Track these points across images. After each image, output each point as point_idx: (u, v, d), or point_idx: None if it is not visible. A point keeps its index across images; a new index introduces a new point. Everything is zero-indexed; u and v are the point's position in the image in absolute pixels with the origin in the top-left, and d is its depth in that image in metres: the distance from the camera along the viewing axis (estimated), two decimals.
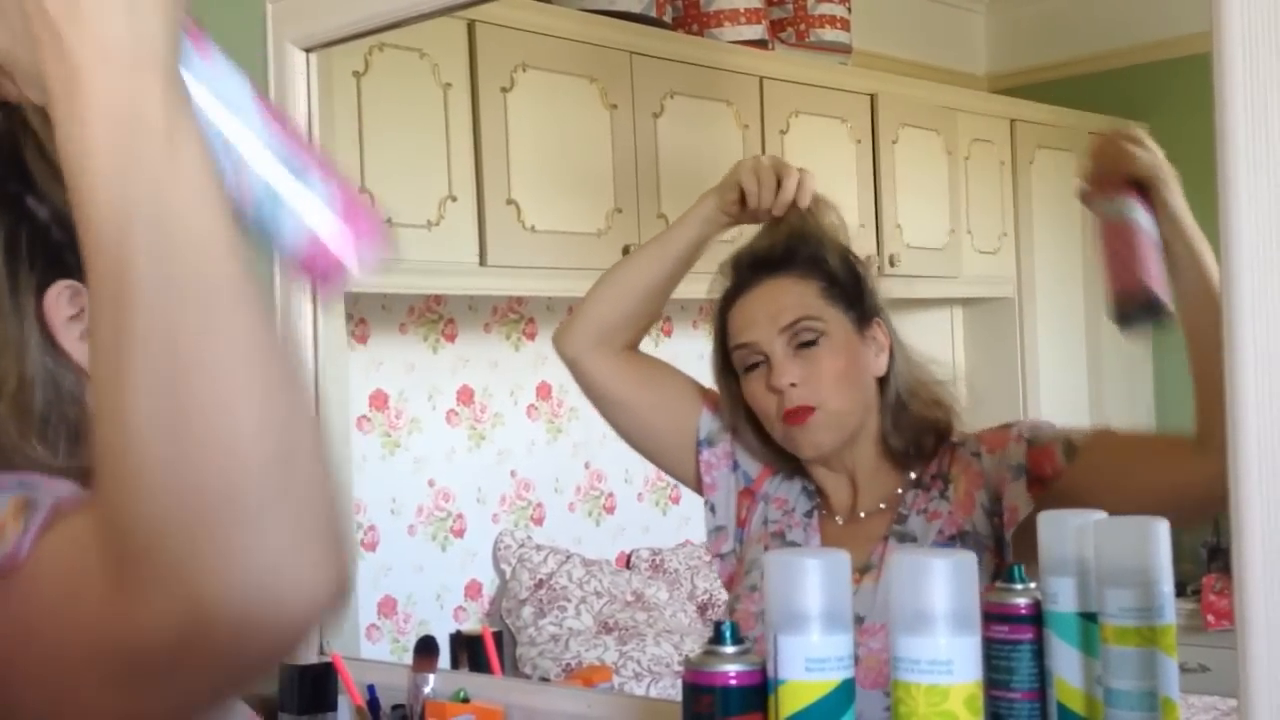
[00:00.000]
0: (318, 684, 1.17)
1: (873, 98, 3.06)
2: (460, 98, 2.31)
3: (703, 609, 2.90)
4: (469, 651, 1.26)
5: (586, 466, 2.93)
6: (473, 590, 2.72)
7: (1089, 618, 0.94)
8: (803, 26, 2.98)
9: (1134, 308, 1.17)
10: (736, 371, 1.33)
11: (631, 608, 2.77)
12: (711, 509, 1.38)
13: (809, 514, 1.32)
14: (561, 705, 1.13)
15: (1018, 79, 3.70)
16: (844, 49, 3.06)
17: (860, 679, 1.17)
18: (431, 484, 2.65)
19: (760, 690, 0.79)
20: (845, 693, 0.77)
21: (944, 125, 3.20)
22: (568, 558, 2.77)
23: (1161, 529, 0.91)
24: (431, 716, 1.08)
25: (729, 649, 0.80)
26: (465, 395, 2.73)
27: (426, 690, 1.15)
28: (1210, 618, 2.86)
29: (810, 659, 0.76)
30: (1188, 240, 1.13)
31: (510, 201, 2.36)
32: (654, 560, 2.97)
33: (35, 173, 0.78)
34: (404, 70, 2.24)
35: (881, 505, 1.30)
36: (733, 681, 0.79)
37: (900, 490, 1.30)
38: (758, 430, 1.34)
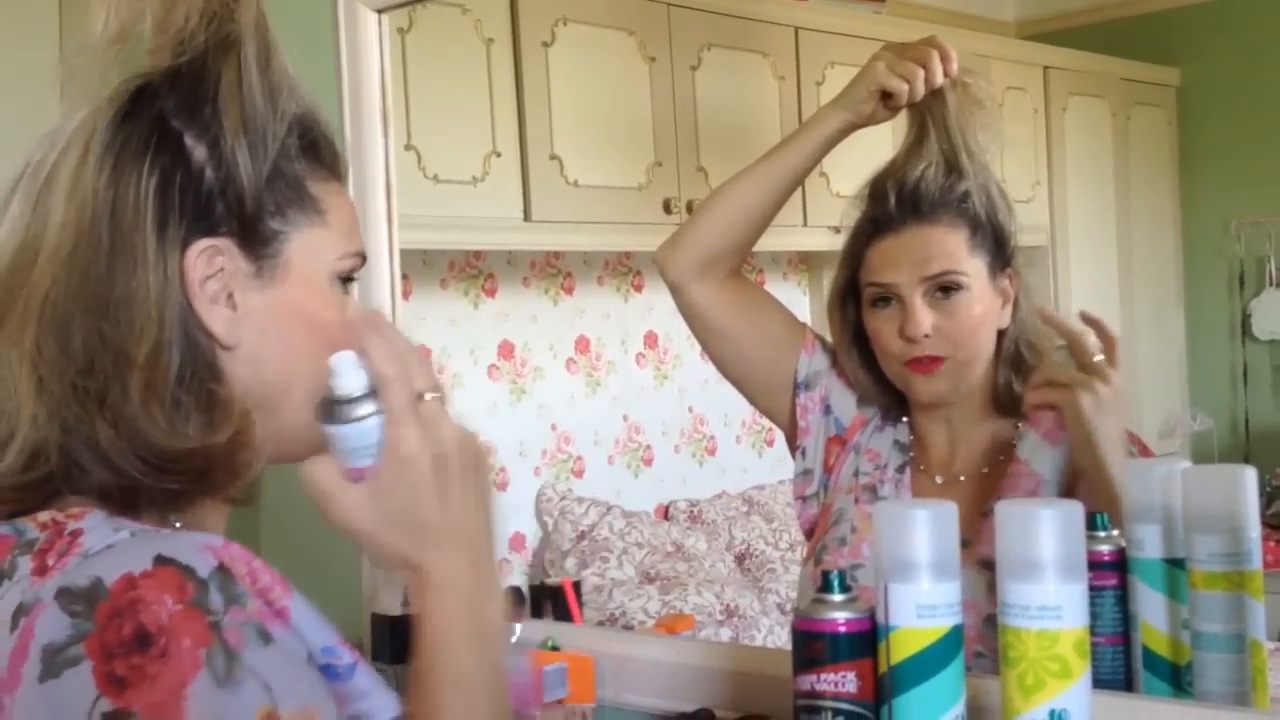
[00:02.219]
0: (409, 633, 1.19)
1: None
2: (502, 53, 2.31)
3: (740, 559, 2.93)
4: (551, 602, 1.27)
5: (625, 419, 2.95)
6: (516, 542, 2.75)
7: (1175, 563, 0.96)
8: None
9: None
10: (858, 297, 1.31)
11: (672, 558, 2.80)
12: (801, 453, 1.37)
13: (901, 469, 1.31)
14: (649, 653, 1.15)
15: (1047, 25, 3.67)
16: None
17: None
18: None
19: (868, 636, 0.81)
20: (955, 638, 0.79)
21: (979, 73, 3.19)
22: (608, 510, 2.80)
23: (1249, 476, 0.93)
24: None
25: (837, 597, 0.82)
26: (506, 350, 2.75)
27: (513, 640, 1.17)
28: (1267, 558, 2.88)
29: (921, 606, 0.78)
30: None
31: (554, 157, 2.37)
32: (692, 511, 3.00)
33: (218, 107, 0.76)
34: (447, 26, 2.24)
35: (984, 470, 1.28)
36: (842, 628, 0.81)
37: (1003, 459, 1.27)
38: (863, 359, 1.32)
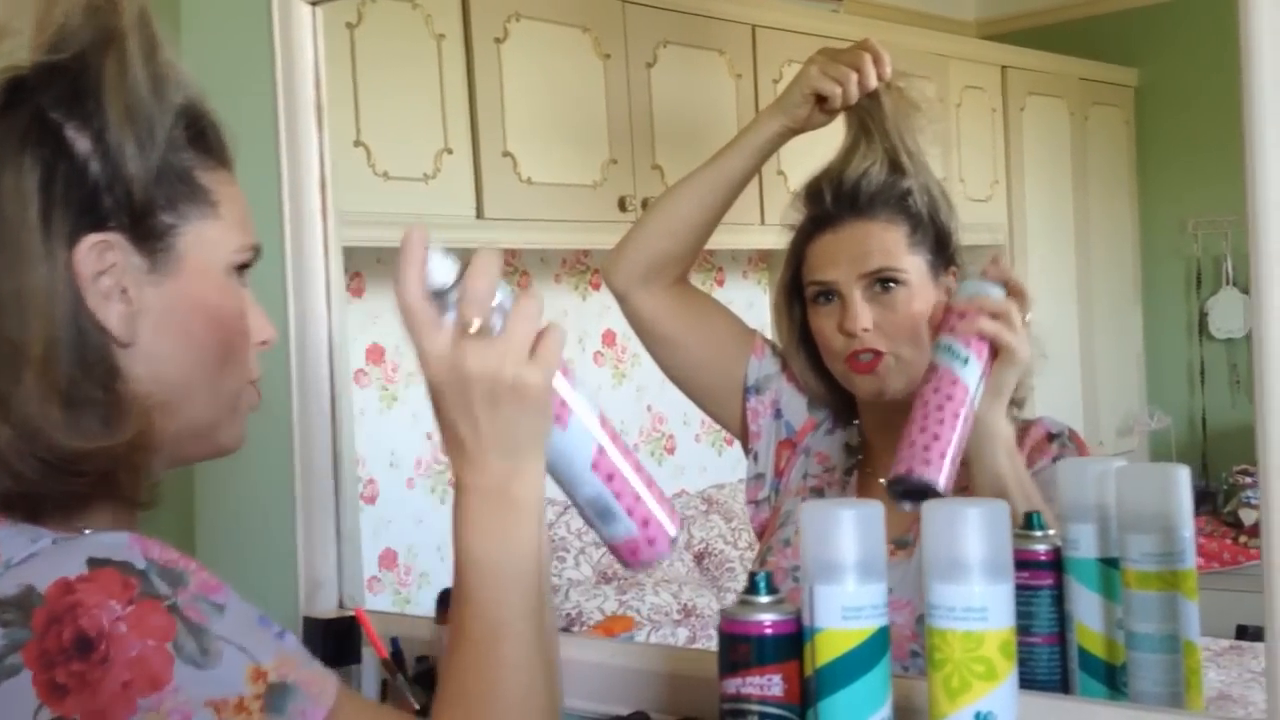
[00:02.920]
0: (341, 637, 1.18)
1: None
2: (454, 49, 2.29)
3: (699, 558, 2.92)
4: None
5: None
6: None
7: (1109, 563, 0.95)
8: None
9: (907, 489, 1.07)
10: (803, 297, 1.30)
11: None
12: (754, 457, 1.36)
13: (849, 472, 1.30)
14: (584, 655, 1.14)
15: (1008, 24, 3.69)
16: None
17: None
18: (429, 437, 2.65)
19: (795, 639, 0.80)
20: (880, 640, 0.77)
21: (936, 72, 3.19)
22: (566, 508, 2.74)
23: (1182, 475, 0.92)
24: None
25: (764, 599, 0.81)
26: None
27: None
28: (1200, 560, 2.89)
29: (846, 608, 0.77)
30: (994, 428, 1.11)
31: (506, 154, 2.35)
32: None
33: (101, 100, 0.74)
34: (397, 22, 2.22)
35: None
36: (768, 630, 0.80)
37: None
38: (811, 360, 1.31)
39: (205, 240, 0.79)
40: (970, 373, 1.08)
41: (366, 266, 2.57)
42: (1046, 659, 0.99)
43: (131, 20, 0.76)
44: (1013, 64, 3.40)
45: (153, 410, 0.76)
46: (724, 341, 1.38)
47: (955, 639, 0.75)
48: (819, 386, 1.32)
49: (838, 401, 1.32)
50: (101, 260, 0.75)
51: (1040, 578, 0.98)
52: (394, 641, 1.17)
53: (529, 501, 0.78)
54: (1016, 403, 1.31)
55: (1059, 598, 0.98)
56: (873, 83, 1.26)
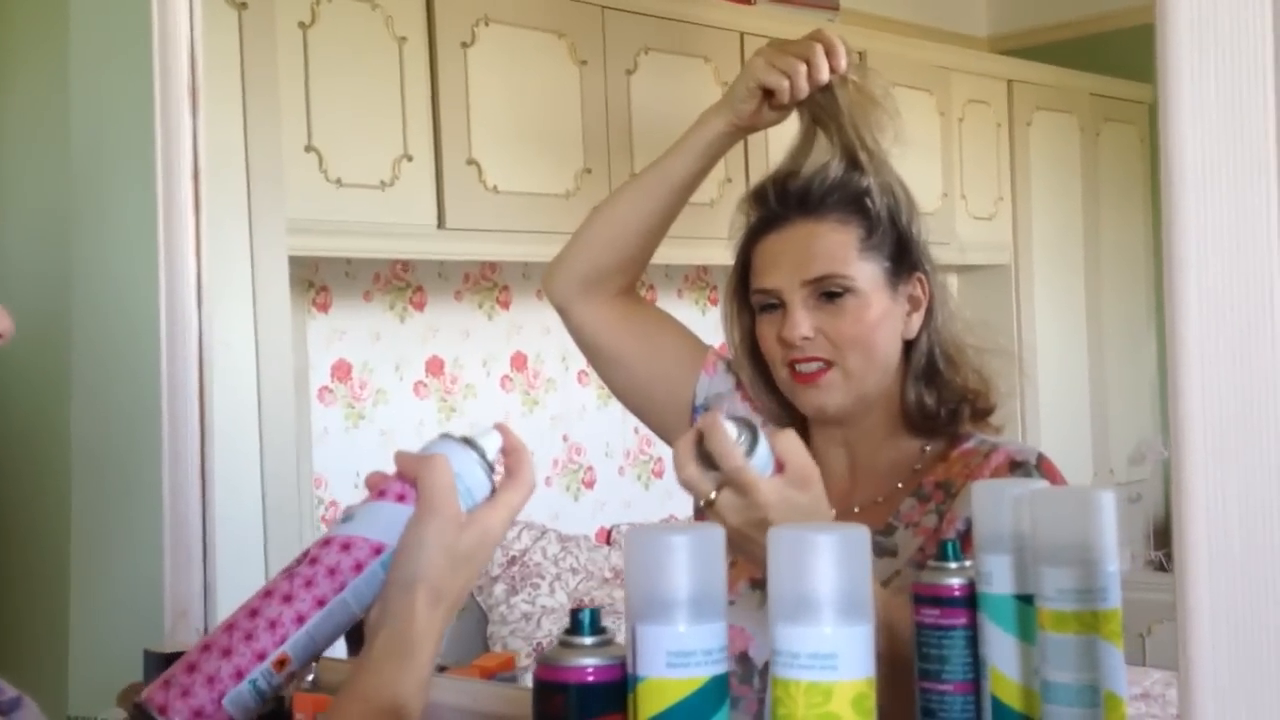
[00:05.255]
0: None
1: (860, 55, 2.93)
2: (417, 52, 2.20)
3: None
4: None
5: (565, 439, 2.83)
6: None
7: (1027, 600, 0.83)
8: None
9: None
10: (752, 306, 1.21)
11: (609, 585, 2.67)
12: None
13: None
14: (444, 698, 1.02)
15: (1020, 40, 3.59)
16: (831, 5, 2.95)
17: None
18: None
19: (620, 688, 0.68)
20: (714, 691, 0.65)
21: (936, 85, 3.07)
22: (543, 533, 2.67)
23: (1107, 500, 0.80)
24: (299, 711, 0.98)
25: (587, 640, 0.69)
26: (435, 366, 2.63)
27: (309, 680, 1.05)
28: None
29: (673, 653, 0.65)
30: None
31: (471, 161, 2.25)
32: None
33: None
34: (355, 22, 2.13)
35: (879, 499, 1.17)
36: (590, 678, 0.68)
37: (901, 485, 1.17)
38: (761, 372, 1.22)
39: None
40: None
41: (333, 280, 2.48)
42: (960, 710, 0.86)
43: None
44: (1019, 78, 3.28)
45: None
46: (672, 358, 1.28)
47: (799, 690, 0.63)
48: (770, 402, 1.22)
49: (790, 420, 1.21)
50: None
51: (953, 616, 0.86)
52: None
53: None
54: (993, 425, 1.20)
55: (974, 639, 0.86)
56: (824, 75, 1.16)
